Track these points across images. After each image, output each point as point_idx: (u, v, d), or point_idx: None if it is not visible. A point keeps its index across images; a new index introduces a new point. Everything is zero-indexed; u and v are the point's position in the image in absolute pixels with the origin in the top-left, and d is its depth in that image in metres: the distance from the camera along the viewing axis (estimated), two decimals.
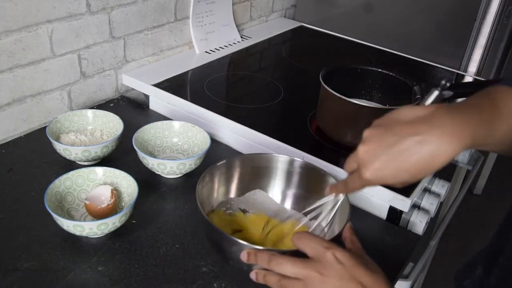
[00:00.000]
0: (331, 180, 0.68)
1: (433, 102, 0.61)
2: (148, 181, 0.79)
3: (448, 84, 0.63)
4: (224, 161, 0.71)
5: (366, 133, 0.55)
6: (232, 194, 0.73)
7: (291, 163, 0.72)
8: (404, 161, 0.51)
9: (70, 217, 0.69)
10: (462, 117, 0.51)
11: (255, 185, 0.74)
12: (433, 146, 0.50)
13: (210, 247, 0.64)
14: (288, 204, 0.74)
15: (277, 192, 0.74)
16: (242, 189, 0.74)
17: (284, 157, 0.73)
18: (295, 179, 0.73)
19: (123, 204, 0.72)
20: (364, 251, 0.57)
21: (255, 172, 0.73)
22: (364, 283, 0.51)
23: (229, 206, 0.72)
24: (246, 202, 0.73)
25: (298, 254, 0.54)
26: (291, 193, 0.74)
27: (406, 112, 0.54)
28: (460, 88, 0.89)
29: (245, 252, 0.56)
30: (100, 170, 0.73)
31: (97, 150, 0.78)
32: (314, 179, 0.71)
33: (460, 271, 0.65)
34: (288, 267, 0.53)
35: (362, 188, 0.57)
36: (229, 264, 0.61)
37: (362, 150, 0.54)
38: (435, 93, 0.61)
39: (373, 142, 0.53)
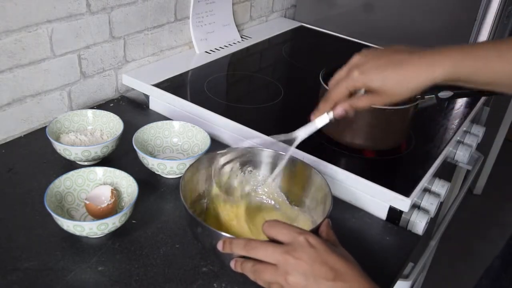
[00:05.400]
0: (315, 173, 0.70)
1: None
2: (148, 181, 0.79)
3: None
4: (207, 155, 0.71)
5: (363, 51, 0.63)
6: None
7: (275, 157, 0.73)
8: (392, 68, 0.59)
9: (70, 217, 0.69)
10: (458, 49, 0.58)
11: None
12: (422, 63, 0.58)
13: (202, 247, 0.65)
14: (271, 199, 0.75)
15: (261, 185, 0.75)
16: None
17: (268, 151, 0.73)
18: (279, 172, 0.74)
19: (123, 204, 0.72)
20: (340, 244, 0.58)
21: (240, 166, 0.74)
22: (336, 268, 0.51)
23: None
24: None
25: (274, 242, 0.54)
26: (275, 185, 0.75)
27: (400, 46, 0.63)
28: (459, 88, 0.88)
29: (221, 241, 0.56)
30: (100, 170, 0.73)
31: (97, 150, 0.78)
32: (299, 172, 0.72)
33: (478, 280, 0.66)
34: (261, 251, 0.53)
35: (341, 98, 0.63)
36: (221, 261, 0.61)
37: (358, 56, 0.62)
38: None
39: (368, 53, 0.62)
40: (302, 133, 0.67)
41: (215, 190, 0.73)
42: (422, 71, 0.58)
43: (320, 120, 0.66)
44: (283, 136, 0.69)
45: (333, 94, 0.63)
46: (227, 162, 0.73)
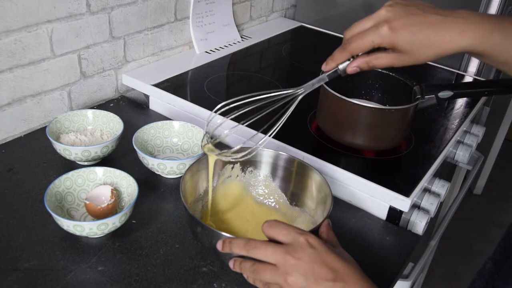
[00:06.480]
0: (315, 173, 0.69)
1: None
2: (148, 181, 0.79)
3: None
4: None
5: (390, 2, 0.59)
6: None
7: (275, 157, 0.73)
8: (425, 29, 0.56)
9: (70, 217, 0.70)
10: (489, 21, 0.56)
11: None
12: (455, 29, 0.55)
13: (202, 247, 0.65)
14: (272, 200, 0.75)
15: (262, 186, 0.75)
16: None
17: (269, 151, 0.74)
18: (280, 172, 0.74)
19: (123, 204, 0.72)
20: (340, 245, 0.58)
21: (240, 166, 0.75)
22: (336, 269, 0.51)
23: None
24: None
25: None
26: (275, 185, 0.75)
27: (425, 2, 0.59)
28: (459, 88, 0.88)
29: (220, 241, 0.56)
30: (100, 170, 0.73)
31: (97, 150, 0.78)
32: (299, 173, 0.72)
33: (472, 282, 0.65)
34: (261, 251, 0.53)
35: (363, 49, 0.59)
36: (222, 261, 0.61)
37: (386, 9, 0.58)
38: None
39: (399, 7, 0.58)
40: (309, 85, 0.64)
41: (215, 190, 0.73)
42: (453, 37, 0.56)
43: (330, 74, 0.62)
44: (285, 90, 0.65)
45: (354, 45, 0.59)
46: (227, 162, 0.73)
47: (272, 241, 0.54)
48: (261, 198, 0.75)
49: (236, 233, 0.68)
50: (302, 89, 0.65)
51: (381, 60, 0.59)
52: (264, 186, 0.75)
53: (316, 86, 0.65)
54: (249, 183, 0.75)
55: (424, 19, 0.56)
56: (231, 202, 0.73)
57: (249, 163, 0.74)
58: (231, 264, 0.57)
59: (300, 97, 0.64)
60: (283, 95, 0.64)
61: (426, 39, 0.56)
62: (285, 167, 0.73)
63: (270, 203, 0.75)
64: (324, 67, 0.63)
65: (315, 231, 0.58)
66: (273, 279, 0.52)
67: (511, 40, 0.55)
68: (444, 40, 0.56)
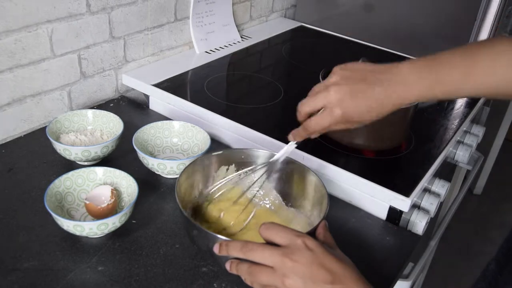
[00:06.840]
0: (311, 174, 0.69)
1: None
2: (148, 181, 0.79)
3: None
4: (203, 157, 0.71)
5: (334, 78, 0.62)
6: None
7: (271, 158, 0.73)
8: (369, 101, 0.60)
9: (70, 217, 0.70)
10: (429, 74, 0.59)
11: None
12: (398, 89, 0.59)
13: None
14: (267, 201, 0.75)
15: (257, 187, 0.75)
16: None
17: (263, 152, 0.73)
18: (275, 173, 0.74)
19: (123, 204, 0.72)
20: (337, 246, 0.58)
21: (235, 167, 0.74)
22: (334, 271, 0.51)
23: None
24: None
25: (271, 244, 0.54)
26: (270, 187, 0.74)
27: (368, 64, 0.63)
28: None
29: (217, 244, 0.56)
30: (100, 170, 0.73)
31: (97, 150, 0.78)
32: (294, 173, 0.72)
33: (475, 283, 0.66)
34: (258, 253, 0.53)
35: (321, 131, 0.64)
36: (218, 264, 0.61)
37: (334, 90, 0.61)
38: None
39: (345, 85, 0.61)
40: (278, 156, 0.70)
41: (211, 191, 0.73)
42: (391, 101, 0.60)
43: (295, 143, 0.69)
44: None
45: (313, 127, 0.65)
46: (223, 163, 0.73)
47: (269, 243, 0.54)
48: (257, 199, 0.75)
49: (232, 236, 0.68)
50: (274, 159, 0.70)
51: (337, 127, 0.65)
52: (259, 187, 0.75)
53: (286, 155, 0.70)
54: (244, 184, 0.75)
55: (370, 92, 0.60)
56: (227, 204, 0.73)
57: (244, 164, 0.74)
58: (227, 266, 0.56)
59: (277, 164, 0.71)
60: (261, 167, 0.72)
61: (378, 109, 0.61)
62: (281, 168, 0.73)
63: (265, 204, 0.74)
64: (290, 138, 0.69)
65: (312, 233, 0.58)
66: (270, 282, 0.52)
67: (451, 88, 0.59)
68: (395, 100, 0.60)
